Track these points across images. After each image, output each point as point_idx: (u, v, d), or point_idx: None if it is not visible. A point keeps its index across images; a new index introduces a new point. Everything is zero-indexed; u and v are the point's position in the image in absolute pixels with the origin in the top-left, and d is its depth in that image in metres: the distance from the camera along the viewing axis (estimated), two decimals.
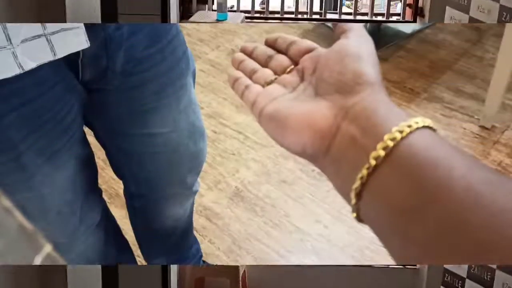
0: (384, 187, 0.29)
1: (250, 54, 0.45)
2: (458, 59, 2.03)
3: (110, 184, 1.58)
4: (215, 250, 1.44)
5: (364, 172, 0.29)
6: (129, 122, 0.85)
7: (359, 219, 0.32)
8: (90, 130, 0.90)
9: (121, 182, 1.04)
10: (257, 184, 1.59)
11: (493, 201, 0.25)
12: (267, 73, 0.42)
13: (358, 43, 0.36)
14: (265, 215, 1.51)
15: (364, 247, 1.40)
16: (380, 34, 2.20)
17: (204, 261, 1.33)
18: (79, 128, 0.80)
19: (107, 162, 0.99)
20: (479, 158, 1.62)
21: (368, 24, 2.23)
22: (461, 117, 1.77)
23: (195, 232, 1.27)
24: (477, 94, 1.85)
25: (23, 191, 0.77)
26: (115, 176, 1.03)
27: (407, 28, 2.22)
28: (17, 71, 0.62)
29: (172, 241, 1.19)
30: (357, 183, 0.30)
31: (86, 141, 0.86)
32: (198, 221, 1.49)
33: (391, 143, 0.29)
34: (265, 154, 1.67)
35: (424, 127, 0.30)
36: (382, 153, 0.29)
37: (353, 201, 0.30)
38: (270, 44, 0.45)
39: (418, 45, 2.14)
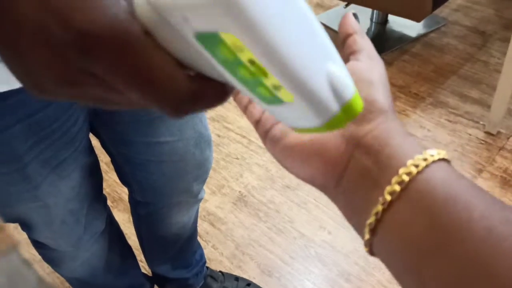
0: (400, 224, 0.28)
1: None
2: (464, 63, 2.02)
3: (114, 188, 1.57)
4: (218, 255, 1.43)
5: (379, 208, 0.28)
6: (135, 131, 0.84)
7: (372, 253, 0.31)
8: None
9: (122, 183, 1.04)
10: (261, 189, 1.58)
11: None
12: None
13: (369, 66, 0.34)
14: (269, 220, 1.50)
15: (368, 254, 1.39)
16: (385, 37, 2.19)
17: (207, 267, 1.32)
18: (84, 138, 0.79)
19: (111, 165, 0.98)
20: (484, 164, 1.61)
21: (373, 26, 2.22)
22: (467, 122, 1.76)
23: (198, 237, 1.26)
24: (482, 99, 1.84)
25: (28, 201, 0.76)
26: (118, 180, 1.02)
27: (412, 31, 2.21)
28: None
29: (177, 247, 1.19)
30: (371, 219, 0.29)
31: (91, 150, 0.85)
32: (201, 226, 1.49)
33: (406, 178, 0.28)
34: (269, 159, 1.66)
35: (439, 159, 0.29)
36: (397, 188, 0.28)
37: (367, 236, 0.29)
38: None
39: (423, 49, 2.12)
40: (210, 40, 0.23)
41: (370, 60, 0.35)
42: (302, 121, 0.26)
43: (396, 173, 0.28)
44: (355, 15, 0.38)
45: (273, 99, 0.25)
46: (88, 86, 0.24)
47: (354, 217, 0.31)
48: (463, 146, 1.68)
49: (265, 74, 0.23)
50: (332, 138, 0.32)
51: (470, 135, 1.72)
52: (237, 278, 1.33)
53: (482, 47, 2.10)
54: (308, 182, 0.34)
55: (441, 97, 1.87)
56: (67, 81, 0.24)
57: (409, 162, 0.28)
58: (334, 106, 0.25)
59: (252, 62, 0.23)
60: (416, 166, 0.28)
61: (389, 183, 0.28)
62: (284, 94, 0.24)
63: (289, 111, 0.26)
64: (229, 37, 0.22)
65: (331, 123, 0.26)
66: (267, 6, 0.21)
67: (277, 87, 0.24)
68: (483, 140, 1.70)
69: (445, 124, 1.76)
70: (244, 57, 0.22)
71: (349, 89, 0.25)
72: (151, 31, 0.24)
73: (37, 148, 0.69)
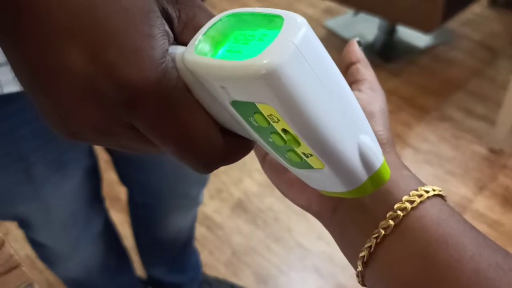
0: (392, 259, 0.28)
1: None
2: (471, 78, 2.01)
3: (111, 187, 1.56)
4: (214, 261, 1.42)
5: (373, 241, 0.29)
6: None
7: (363, 284, 0.31)
8: None
9: (122, 185, 1.03)
10: (261, 196, 1.57)
11: None
12: None
13: (371, 98, 0.34)
14: (267, 228, 1.49)
15: None
16: (392, 47, 2.18)
17: (203, 273, 1.31)
18: None
19: (109, 163, 0.98)
20: (486, 181, 1.60)
21: (381, 36, 2.21)
22: (471, 138, 1.75)
23: (195, 242, 1.25)
24: (487, 116, 1.83)
25: (30, 201, 0.77)
26: (116, 179, 1.01)
27: (420, 43, 2.19)
28: None
29: (173, 251, 1.18)
30: (364, 252, 0.29)
31: (92, 152, 0.86)
32: (198, 230, 1.47)
33: (400, 214, 0.28)
34: None
35: (434, 195, 0.29)
36: (391, 223, 0.28)
37: (359, 268, 0.30)
38: None
39: (431, 61, 2.11)
40: (246, 108, 0.23)
41: (372, 92, 0.35)
42: (329, 186, 0.27)
43: (392, 208, 0.29)
44: (359, 42, 0.38)
45: (302, 164, 0.25)
46: (123, 137, 0.24)
47: (348, 247, 0.32)
48: (466, 162, 1.66)
49: (298, 143, 0.23)
50: None
51: (473, 151, 1.70)
52: (232, 286, 1.32)
53: (490, 62, 2.09)
54: (304, 208, 0.34)
55: (447, 111, 1.86)
56: (104, 131, 0.24)
57: (405, 198, 0.29)
58: (362, 176, 0.26)
59: (285, 131, 0.23)
60: (411, 202, 0.28)
61: (384, 217, 0.29)
62: (314, 161, 0.24)
63: (316, 176, 0.26)
64: (266, 108, 0.22)
65: (358, 191, 0.26)
66: (306, 82, 0.21)
67: (307, 155, 0.24)
68: (486, 157, 1.68)
69: (449, 139, 1.75)
70: (278, 126, 0.23)
71: (378, 159, 0.26)
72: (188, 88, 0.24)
73: (42, 149, 0.70)
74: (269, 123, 0.23)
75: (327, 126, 0.23)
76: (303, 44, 0.21)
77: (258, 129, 0.24)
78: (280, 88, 0.21)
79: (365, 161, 0.25)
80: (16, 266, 0.26)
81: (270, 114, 0.22)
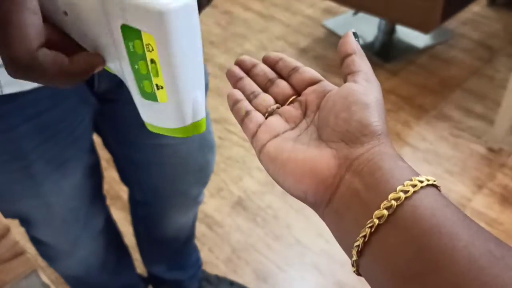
0: (386, 248, 0.28)
1: (247, 71, 0.43)
2: (469, 77, 2.02)
3: (112, 185, 1.57)
4: (214, 259, 1.43)
5: (367, 230, 0.29)
6: (139, 132, 0.84)
7: (358, 273, 0.31)
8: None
9: (123, 183, 1.04)
10: (260, 194, 1.58)
11: (495, 276, 0.25)
12: (268, 101, 0.40)
13: (366, 89, 0.35)
14: (267, 226, 1.50)
15: None
16: (391, 47, 2.19)
17: (203, 271, 1.32)
18: (89, 137, 0.80)
19: (110, 162, 0.98)
20: (485, 180, 1.60)
21: (380, 36, 2.22)
22: (469, 137, 1.76)
23: (195, 239, 1.26)
24: (486, 115, 1.84)
25: (30, 199, 0.77)
26: (117, 177, 1.02)
27: (419, 43, 2.20)
28: (34, 84, 0.60)
29: (173, 249, 1.19)
30: (359, 241, 0.29)
31: (94, 149, 0.86)
32: (198, 228, 1.48)
33: (395, 203, 0.28)
34: None
35: (428, 185, 0.29)
36: (385, 212, 0.28)
37: (354, 257, 0.30)
38: (270, 64, 0.43)
39: (430, 61, 2.12)
40: (132, 33, 0.30)
41: (367, 83, 0.35)
42: (162, 121, 0.35)
43: (386, 197, 0.29)
44: (355, 34, 0.39)
45: (151, 96, 0.33)
46: None
47: (343, 237, 0.32)
48: (465, 161, 1.67)
49: (157, 74, 0.31)
50: (325, 158, 0.33)
51: (472, 150, 1.71)
52: (232, 283, 1.33)
53: (489, 62, 2.10)
54: (299, 199, 0.35)
55: (445, 110, 1.87)
56: None
57: (399, 188, 0.29)
58: (189, 119, 0.35)
59: (153, 61, 0.30)
60: (405, 192, 0.29)
61: (378, 207, 0.29)
62: (162, 95, 0.33)
63: (157, 109, 0.34)
64: (148, 37, 0.29)
65: (181, 130, 0.35)
66: (186, 29, 0.30)
67: (159, 87, 0.32)
68: (484, 156, 1.69)
69: (448, 137, 1.76)
70: (150, 56, 0.30)
71: (202, 113, 0.36)
72: None
73: (43, 147, 0.70)
74: (143, 51, 0.30)
75: (184, 68, 0.31)
76: (194, 5, 0.29)
77: (131, 53, 0.31)
78: (170, 25, 0.28)
79: (195, 110, 0.34)
80: (21, 253, 0.27)
81: (148, 44, 0.29)
